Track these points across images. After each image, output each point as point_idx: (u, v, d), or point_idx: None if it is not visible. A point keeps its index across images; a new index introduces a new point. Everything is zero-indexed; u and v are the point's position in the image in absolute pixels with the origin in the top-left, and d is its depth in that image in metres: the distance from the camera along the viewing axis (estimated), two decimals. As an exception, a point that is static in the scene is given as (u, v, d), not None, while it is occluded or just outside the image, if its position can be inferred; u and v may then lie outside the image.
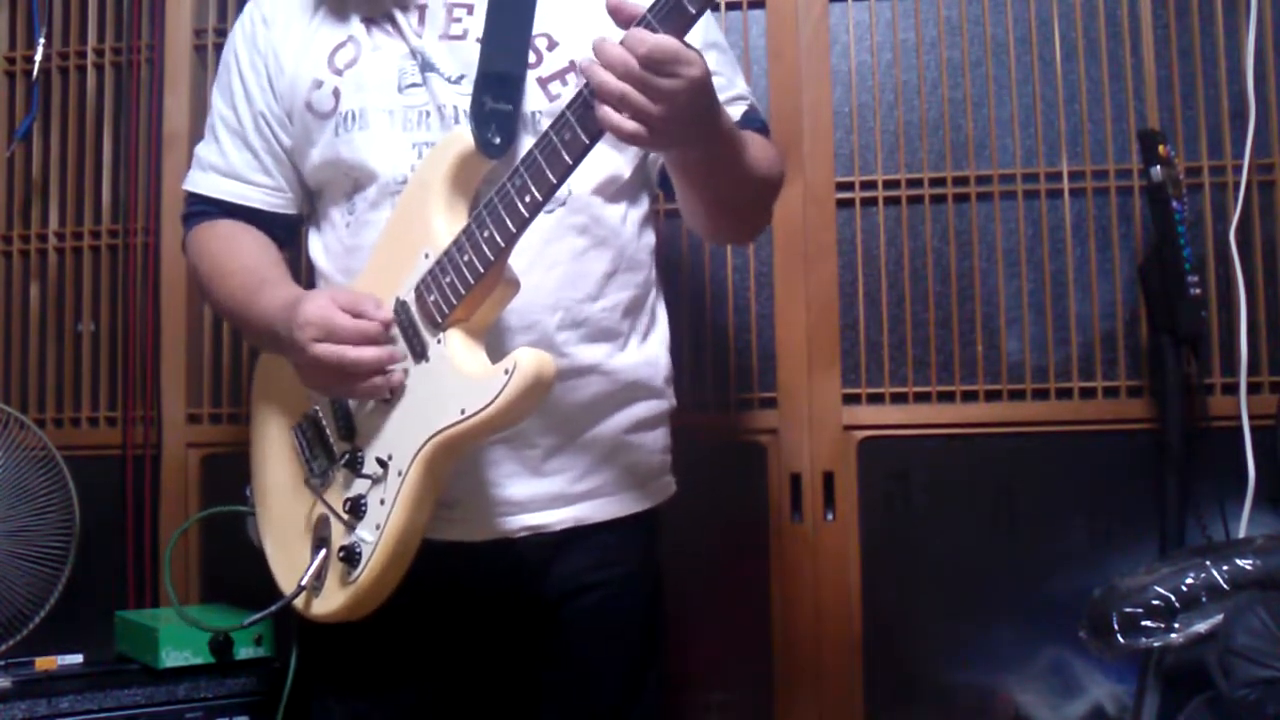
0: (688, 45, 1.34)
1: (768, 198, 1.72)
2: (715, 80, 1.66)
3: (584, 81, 1.37)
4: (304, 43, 1.71)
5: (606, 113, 1.34)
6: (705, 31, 1.71)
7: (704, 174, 1.56)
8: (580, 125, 1.37)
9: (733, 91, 1.73)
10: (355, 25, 1.70)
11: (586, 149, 1.38)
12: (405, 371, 1.53)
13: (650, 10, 1.32)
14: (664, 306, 1.81)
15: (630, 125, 1.34)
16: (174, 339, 2.46)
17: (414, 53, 1.65)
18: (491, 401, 1.42)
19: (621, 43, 1.33)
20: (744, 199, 1.66)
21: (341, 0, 1.71)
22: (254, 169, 1.76)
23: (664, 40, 1.31)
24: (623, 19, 1.34)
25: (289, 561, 1.67)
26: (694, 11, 1.30)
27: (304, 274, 1.84)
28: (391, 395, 1.53)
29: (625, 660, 1.73)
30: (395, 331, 1.54)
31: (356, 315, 1.51)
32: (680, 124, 1.36)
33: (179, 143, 2.46)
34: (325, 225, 1.74)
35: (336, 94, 1.67)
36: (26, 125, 2.55)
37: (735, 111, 1.71)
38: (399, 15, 1.67)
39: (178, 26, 2.50)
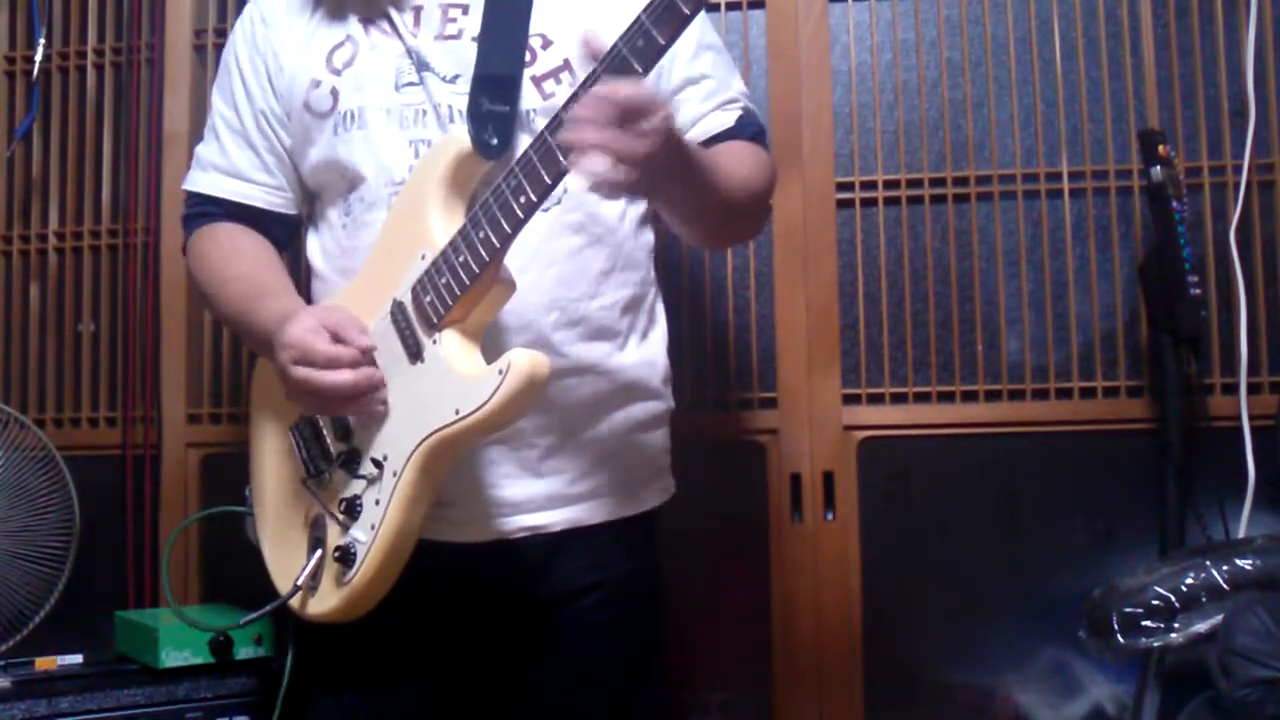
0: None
1: (758, 210, 1.73)
2: (707, 83, 1.69)
3: (578, 81, 1.37)
4: (302, 42, 1.72)
5: (593, 167, 1.33)
6: (700, 33, 1.71)
7: (687, 207, 1.57)
8: None
9: (726, 94, 1.73)
10: (353, 25, 1.70)
11: None
12: (384, 395, 1.54)
13: (645, 10, 1.31)
14: (662, 306, 1.80)
15: (624, 175, 1.33)
16: (174, 339, 2.46)
17: (410, 52, 1.65)
18: (485, 402, 1.42)
19: (580, 98, 1.33)
20: (733, 218, 1.68)
21: (339, 0, 1.72)
22: (255, 168, 1.76)
23: (631, 89, 1.31)
24: (590, 52, 1.35)
25: (286, 562, 1.67)
26: (688, 12, 1.30)
27: (303, 275, 1.84)
28: (383, 407, 1.54)
29: (624, 661, 1.72)
30: (391, 333, 1.54)
31: (338, 339, 1.51)
32: (666, 159, 1.36)
33: (179, 143, 2.46)
34: (323, 226, 1.75)
35: (334, 93, 1.67)
36: (26, 125, 2.55)
37: (729, 117, 1.71)
38: (394, 15, 1.67)
39: (178, 26, 2.50)
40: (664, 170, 1.38)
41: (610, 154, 1.32)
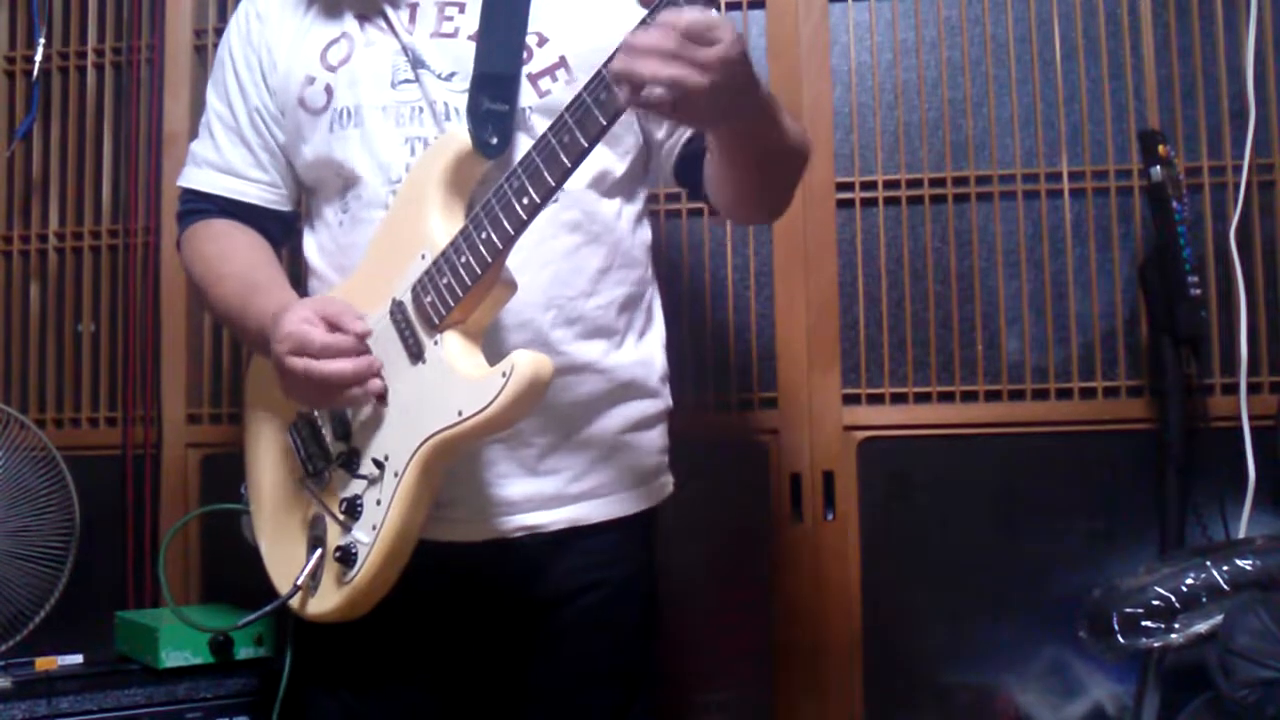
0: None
1: (800, 170, 1.68)
2: None
3: (581, 84, 1.36)
4: (297, 39, 1.72)
5: (652, 97, 1.29)
6: None
7: (752, 146, 1.53)
8: (579, 128, 1.36)
9: None
10: (349, 22, 1.69)
11: (585, 152, 1.37)
12: (384, 382, 1.53)
13: (649, 16, 1.31)
14: (660, 305, 1.80)
15: (689, 108, 1.32)
16: (174, 339, 2.46)
17: (405, 49, 1.65)
18: (489, 404, 1.41)
19: (650, 28, 1.30)
20: (784, 171, 1.64)
21: None
22: (250, 164, 1.76)
23: (696, 13, 1.29)
24: None
25: (284, 561, 1.67)
26: None
27: (302, 274, 1.84)
28: (380, 401, 1.54)
29: (622, 661, 1.72)
30: (390, 333, 1.54)
31: (334, 328, 1.50)
32: (734, 91, 1.33)
33: (179, 143, 2.45)
34: (319, 223, 1.74)
35: (329, 90, 1.67)
36: (26, 125, 2.55)
37: None
38: (390, 12, 1.67)
39: (178, 26, 2.50)
40: (732, 100, 1.35)
41: (675, 86, 1.28)
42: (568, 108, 1.37)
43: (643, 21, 1.32)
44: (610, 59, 1.32)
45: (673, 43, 1.28)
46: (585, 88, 1.36)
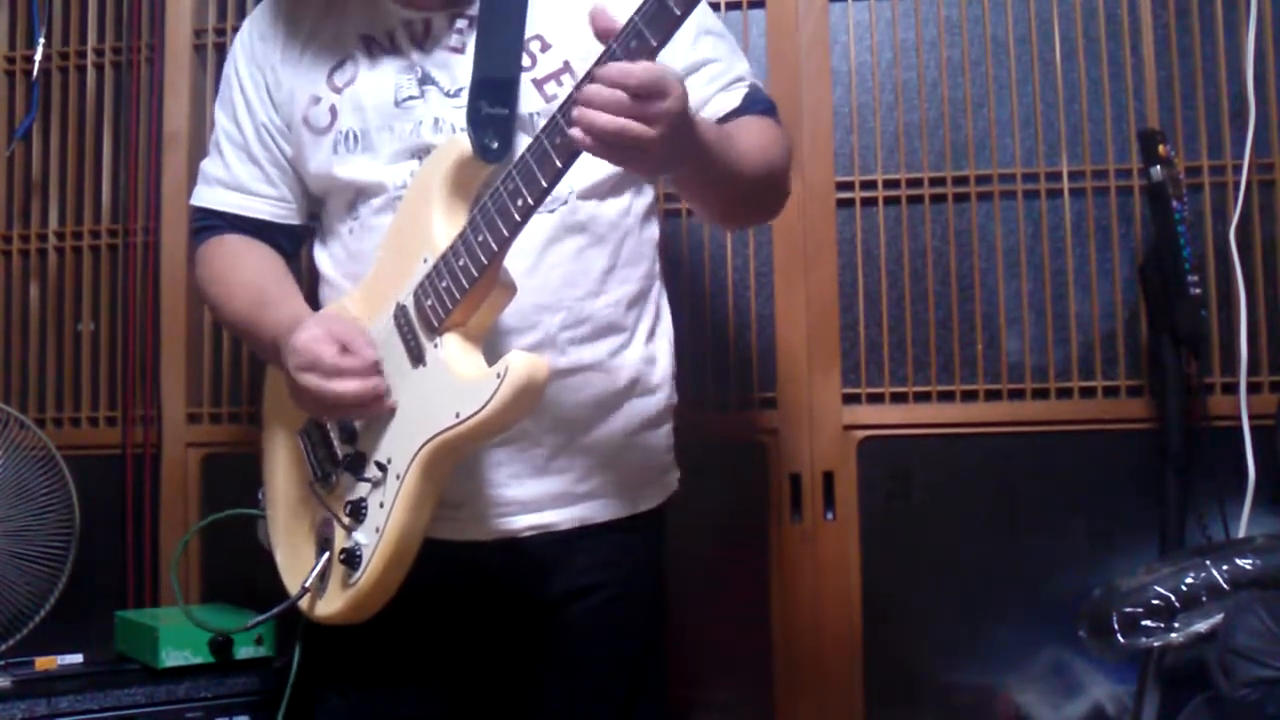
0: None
1: (775, 185, 1.72)
2: (713, 66, 1.69)
3: (575, 85, 1.37)
4: (302, 58, 1.73)
5: (601, 151, 1.36)
6: (699, 20, 1.70)
7: (701, 184, 1.58)
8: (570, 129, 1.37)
9: (731, 75, 1.73)
10: (356, 41, 1.70)
11: (576, 153, 1.38)
12: (391, 397, 1.55)
13: (637, 12, 1.31)
14: (667, 301, 1.81)
15: (635, 159, 1.37)
16: (174, 339, 2.46)
17: (413, 66, 1.66)
18: (484, 405, 1.42)
19: (597, 78, 1.33)
20: (748, 195, 1.67)
21: (342, 18, 1.72)
22: (258, 180, 1.77)
23: (647, 68, 1.32)
24: (600, 29, 1.35)
25: (296, 564, 1.69)
26: (679, 13, 1.30)
27: (306, 281, 1.84)
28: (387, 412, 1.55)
29: (629, 659, 1.73)
30: (393, 336, 1.55)
31: (345, 349, 1.52)
32: (672, 143, 1.37)
33: (179, 143, 2.46)
34: (330, 233, 1.76)
35: (333, 111, 1.68)
36: (26, 125, 2.55)
37: (735, 96, 1.71)
38: (399, 30, 1.68)
39: (178, 26, 2.50)
40: (674, 149, 1.39)
41: (623, 138, 1.33)
42: (560, 109, 1.38)
43: (590, 70, 1.35)
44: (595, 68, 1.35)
45: (624, 98, 1.32)
46: (575, 88, 1.36)
